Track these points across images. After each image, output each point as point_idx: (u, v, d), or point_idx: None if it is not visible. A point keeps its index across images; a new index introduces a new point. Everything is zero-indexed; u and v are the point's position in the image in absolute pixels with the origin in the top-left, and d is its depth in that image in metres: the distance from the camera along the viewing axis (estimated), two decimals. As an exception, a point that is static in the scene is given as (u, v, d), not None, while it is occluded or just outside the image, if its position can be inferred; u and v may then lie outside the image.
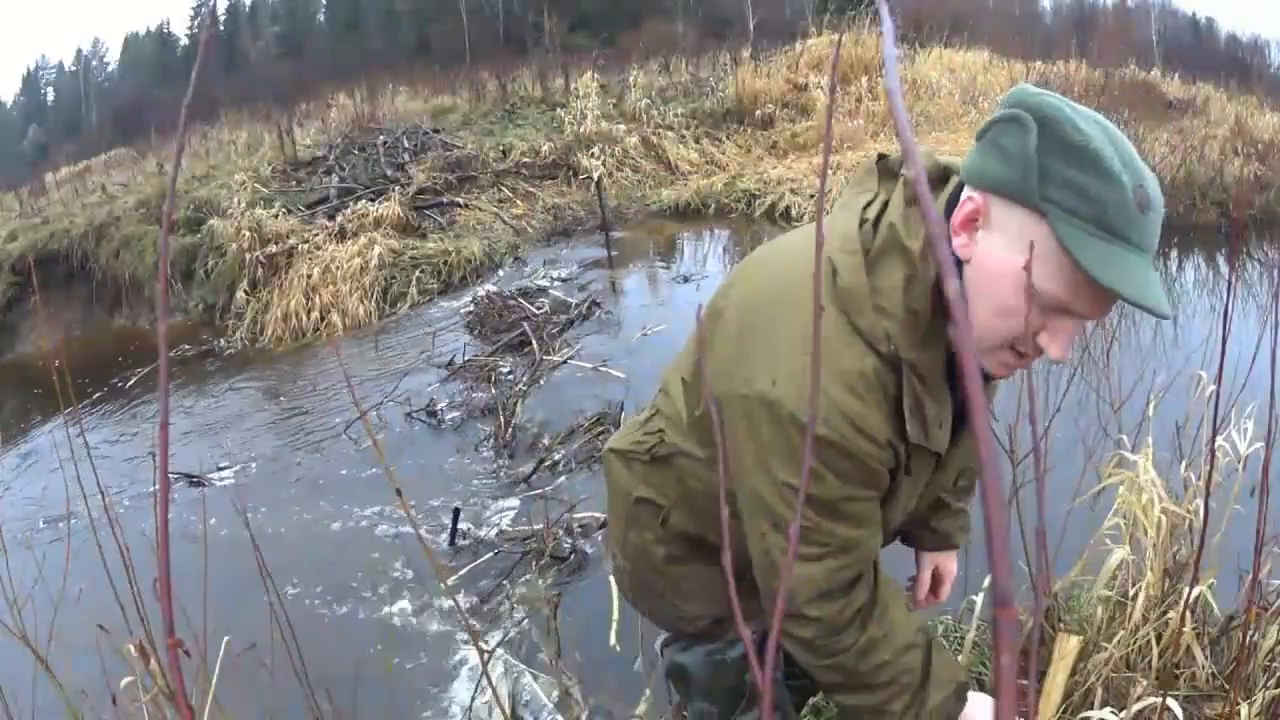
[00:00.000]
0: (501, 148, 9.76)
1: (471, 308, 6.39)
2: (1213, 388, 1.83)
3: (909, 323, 1.02)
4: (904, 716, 1.17)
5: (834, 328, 1.03)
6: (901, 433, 1.05)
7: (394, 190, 8.45)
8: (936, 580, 1.59)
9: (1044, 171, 0.92)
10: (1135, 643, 1.94)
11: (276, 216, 8.02)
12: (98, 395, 6.40)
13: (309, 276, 7.20)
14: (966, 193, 0.99)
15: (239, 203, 8.23)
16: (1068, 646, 1.63)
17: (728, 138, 10.31)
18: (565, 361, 4.96)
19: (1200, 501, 1.78)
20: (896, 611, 1.19)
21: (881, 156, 1.13)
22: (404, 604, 3.09)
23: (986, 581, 2.10)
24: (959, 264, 0.99)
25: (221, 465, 4.48)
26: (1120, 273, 0.90)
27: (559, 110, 10.73)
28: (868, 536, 1.12)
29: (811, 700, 1.91)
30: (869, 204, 1.08)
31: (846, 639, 1.14)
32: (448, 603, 3.03)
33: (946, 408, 1.08)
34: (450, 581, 3.12)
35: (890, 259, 1.03)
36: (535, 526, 3.30)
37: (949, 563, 1.57)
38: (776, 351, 1.05)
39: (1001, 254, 0.96)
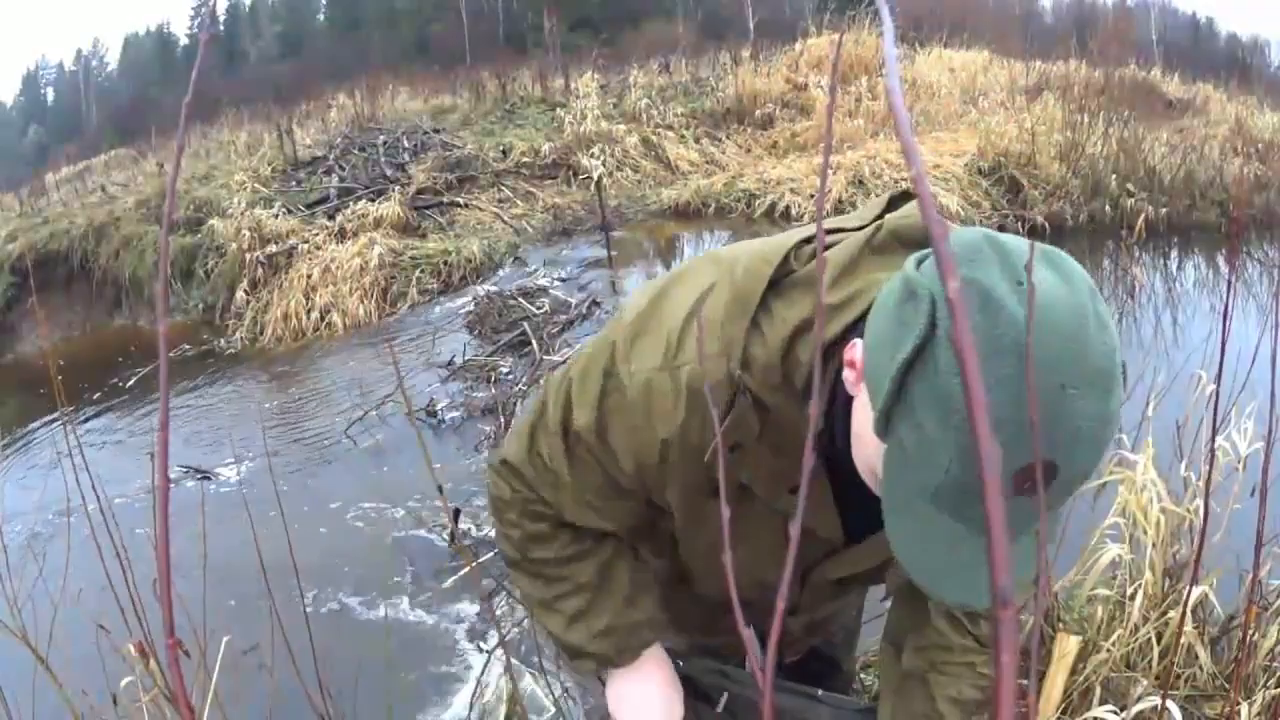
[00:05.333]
0: (501, 148, 9.76)
1: (471, 308, 6.39)
2: (1213, 387, 1.83)
3: (774, 368, 0.83)
4: (567, 625, 1.07)
5: (717, 312, 0.86)
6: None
7: (394, 190, 8.45)
8: None
9: (903, 392, 0.65)
10: (1135, 642, 1.94)
11: (276, 216, 8.02)
12: (98, 396, 6.39)
13: (309, 276, 7.20)
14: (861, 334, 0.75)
15: (239, 203, 8.23)
16: (1067, 646, 1.64)
17: (728, 137, 10.30)
18: (565, 361, 4.96)
19: (1200, 501, 1.78)
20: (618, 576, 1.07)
21: (904, 195, 0.92)
22: (404, 604, 3.09)
23: (986, 581, 2.10)
24: (849, 401, 0.78)
25: (222, 466, 4.48)
26: (929, 555, 0.67)
27: (559, 110, 10.72)
28: (585, 515, 1.02)
29: None
30: (842, 230, 0.87)
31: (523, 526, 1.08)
32: (448, 603, 3.03)
33: (797, 473, 0.86)
34: (450, 582, 3.13)
35: (803, 294, 0.83)
36: (535, 526, 3.31)
37: None
38: (664, 312, 0.91)
39: (865, 433, 0.72)
